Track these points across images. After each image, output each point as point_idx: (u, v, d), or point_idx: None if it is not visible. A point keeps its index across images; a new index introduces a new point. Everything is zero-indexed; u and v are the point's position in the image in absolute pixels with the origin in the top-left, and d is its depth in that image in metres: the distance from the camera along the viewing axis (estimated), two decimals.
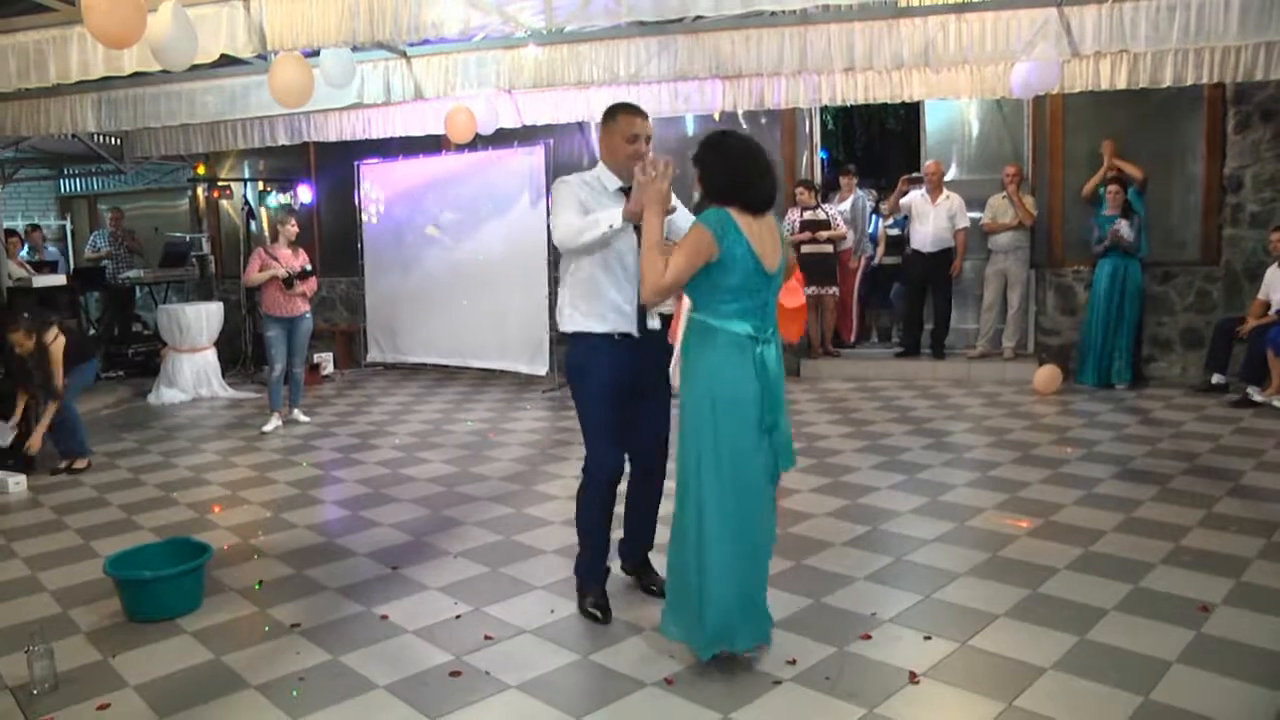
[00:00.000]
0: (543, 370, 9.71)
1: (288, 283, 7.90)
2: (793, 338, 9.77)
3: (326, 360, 10.88)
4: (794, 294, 8.90)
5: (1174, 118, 9.11)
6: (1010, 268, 9.35)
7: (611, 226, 3.65)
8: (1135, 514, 5.15)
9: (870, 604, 4.04)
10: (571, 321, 3.88)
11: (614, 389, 3.84)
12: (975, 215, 9.61)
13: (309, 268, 8.12)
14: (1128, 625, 3.76)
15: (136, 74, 6.00)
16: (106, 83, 7.07)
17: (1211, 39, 5.93)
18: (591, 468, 3.92)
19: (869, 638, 3.74)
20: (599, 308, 3.83)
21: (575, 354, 3.90)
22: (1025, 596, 4.08)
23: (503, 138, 9.56)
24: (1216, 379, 8.42)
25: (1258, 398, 7.80)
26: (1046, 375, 8.66)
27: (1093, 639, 3.65)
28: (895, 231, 10.19)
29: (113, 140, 11.32)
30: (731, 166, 3.44)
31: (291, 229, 8.16)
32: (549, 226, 10.19)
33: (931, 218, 9.50)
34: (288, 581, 4.56)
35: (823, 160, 12.10)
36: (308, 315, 8.17)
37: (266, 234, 11.59)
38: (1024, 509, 5.30)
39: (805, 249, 9.47)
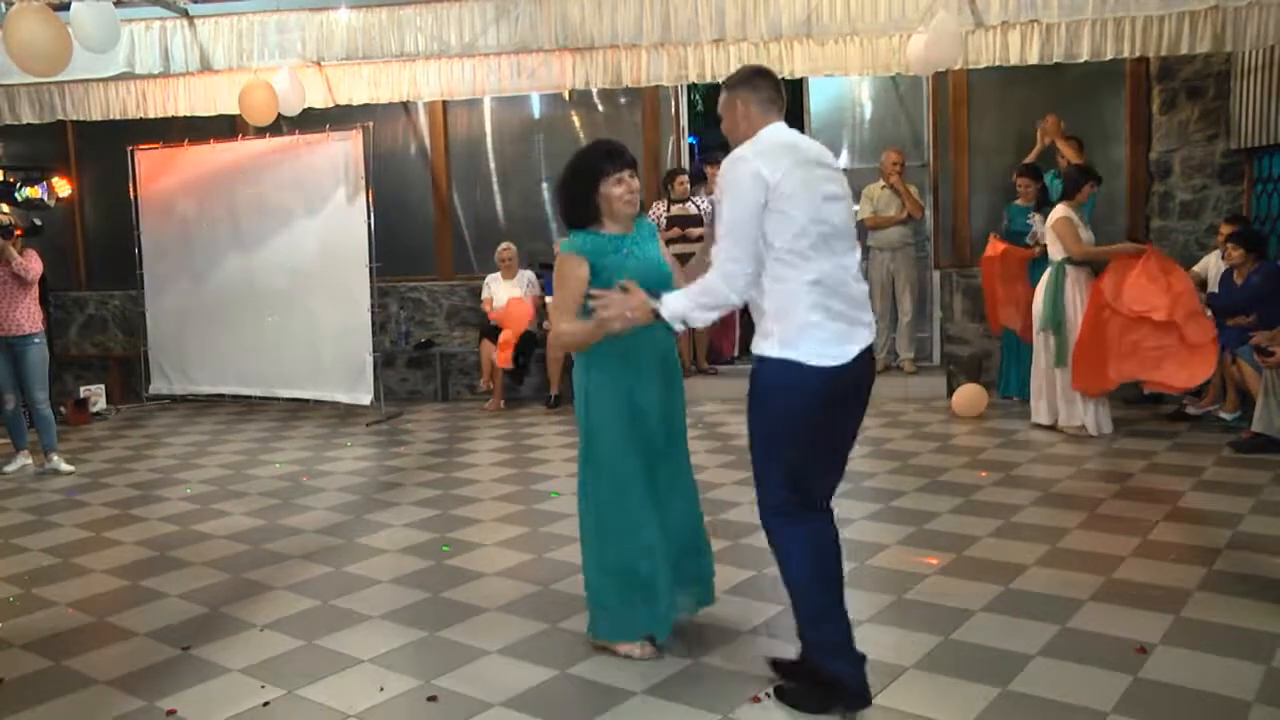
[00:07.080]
0: (366, 399, 9.53)
1: None
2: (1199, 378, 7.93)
3: (97, 394, 10.44)
4: (1200, 320, 7.31)
5: (1093, 97, 9.48)
6: (899, 268, 9.48)
7: None
8: (1061, 544, 5.29)
9: (758, 662, 4.03)
10: None
11: None
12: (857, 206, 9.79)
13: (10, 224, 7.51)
14: (1056, 673, 3.84)
15: None
16: None
17: (1132, 8, 6.20)
18: None
19: (759, 700, 3.72)
20: None
21: None
22: (937, 644, 4.13)
23: (312, 120, 9.39)
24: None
25: (1192, 410, 8.04)
26: (969, 396, 8.46)
27: (1016, 690, 3.71)
28: None
29: None
30: None
31: None
32: (371, 227, 9.94)
33: None
34: (41, 677, 4.26)
35: (692, 146, 12.25)
36: (36, 340, 7.68)
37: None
38: (933, 543, 5.39)
39: (675, 249, 9.41)
